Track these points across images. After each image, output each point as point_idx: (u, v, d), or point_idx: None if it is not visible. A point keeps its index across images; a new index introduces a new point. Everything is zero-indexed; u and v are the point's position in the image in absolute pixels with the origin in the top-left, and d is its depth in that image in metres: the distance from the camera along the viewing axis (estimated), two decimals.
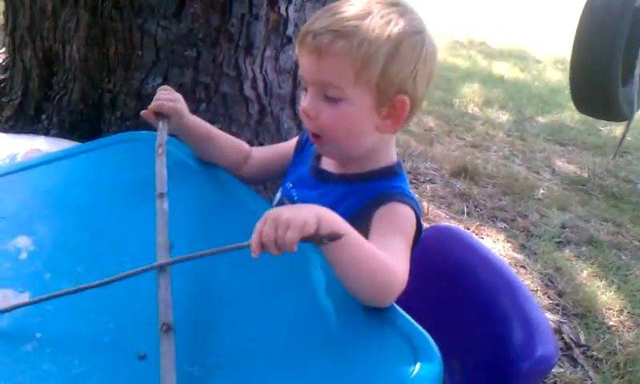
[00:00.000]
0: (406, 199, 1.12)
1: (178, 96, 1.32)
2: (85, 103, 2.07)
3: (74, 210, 1.16)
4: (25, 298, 0.92)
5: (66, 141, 1.96)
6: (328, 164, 1.24)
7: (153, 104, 1.28)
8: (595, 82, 3.93)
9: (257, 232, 0.86)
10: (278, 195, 1.32)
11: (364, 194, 1.14)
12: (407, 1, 1.13)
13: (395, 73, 1.07)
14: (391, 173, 1.19)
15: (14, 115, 2.22)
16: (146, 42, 1.89)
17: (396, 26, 1.05)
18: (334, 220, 0.90)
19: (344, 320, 0.95)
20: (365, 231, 1.08)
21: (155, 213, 1.07)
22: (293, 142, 1.39)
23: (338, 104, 1.09)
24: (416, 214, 1.12)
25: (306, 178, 1.26)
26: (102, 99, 2.03)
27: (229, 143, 1.40)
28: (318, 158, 1.27)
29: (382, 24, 1.05)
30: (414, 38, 1.08)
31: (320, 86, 1.09)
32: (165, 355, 0.81)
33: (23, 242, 1.04)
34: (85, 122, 2.09)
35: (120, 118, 1.99)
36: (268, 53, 1.98)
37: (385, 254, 0.96)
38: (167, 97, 1.30)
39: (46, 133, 2.10)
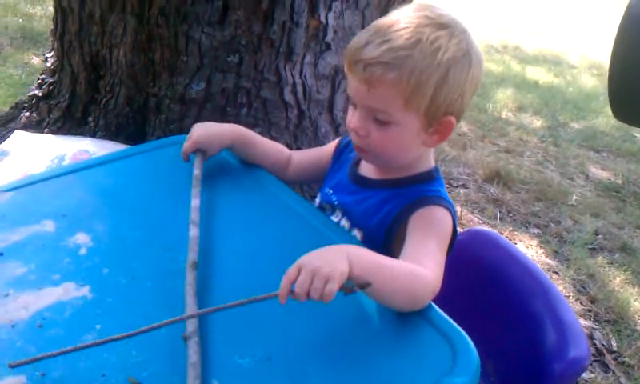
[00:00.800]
0: (443, 202, 1.16)
1: (205, 128, 1.39)
2: (130, 107, 2.14)
3: (129, 208, 1.23)
4: (85, 291, 0.99)
5: (112, 143, 2.03)
6: (367, 170, 1.28)
7: (185, 145, 1.35)
8: (634, 89, 3.89)
9: (288, 279, 0.89)
10: (318, 200, 1.37)
11: (403, 198, 1.18)
12: (452, 15, 1.15)
13: (444, 98, 1.10)
14: (429, 177, 1.22)
15: (61, 117, 2.30)
16: (191, 47, 1.95)
17: (445, 53, 1.07)
18: (364, 256, 0.93)
19: (385, 317, 0.99)
20: (403, 234, 1.12)
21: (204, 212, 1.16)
22: (331, 147, 1.43)
23: (387, 126, 1.12)
24: (452, 216, 1.16)
25: (345, 184, 1.30)
26: (147, 103, 2.10)
27: (271, 148, 1.46)
28: (357, 163, 1.31)
29: (432, 51, 1.06)
30: (462, 62, 1.10)
31: (370, 110, 1.12)
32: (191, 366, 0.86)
33: (82, 238, 1.11)
34: (130, 125, 2.16)
35: (164, 121, 2.05)
36: (307, 59, 2.02)
37: (413, 266, 1.00)
38: (197, 132, 1.36)
39: (93, 135, 2.17)
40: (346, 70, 1.15)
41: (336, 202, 1.29)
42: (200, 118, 1.98)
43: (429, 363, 0.91)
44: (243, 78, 1.97)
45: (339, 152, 1.40)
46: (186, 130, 1.95)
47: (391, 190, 1.22)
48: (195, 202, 1.18)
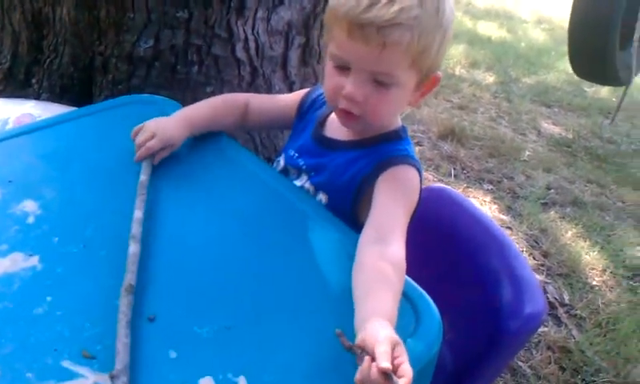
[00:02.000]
0: (412, 161, 1.15)
1: (153, 128, 1.25)
2: (75, 67, 2.05)
3: (79, 173, 1.18)
4: (34, 261, 0.94)
5: (57, 105, 1.95)
6: (332, 131, 1.25)
7: (152, 142, 1.22)
8: (592, 46, 3.93)
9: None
10: (282, 162, 1.33)
11: (372, 157, 1.16)
12: None
13: (441, 56, 1.11)
14: (397, 136, 1.21)
15: (3, 80, 2.20)
16: (138, 3, 1.87)
17: (444, 13, 1.06)
18: (388, 317, 0.85)
19: (347, 282, 0.97)
20: (371, 195, 1.11)
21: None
22: (295, 100, 1.37)
23: (387, 88, 1.09)
24: (419, 176, 1.16)
25: (310, 147, 1.27)
26: (93, 62, 2.02)
27: (226, 111, 1.40)
28: (322, 124, 1.28)
29: (434, 11, 1.04)
30: (451, 19, 1.10)
31: (372, 74, 1.08)
32: None
33: (30, 205, 1.06)
34: (76, 86, 2.07)
35: (112, 81, 1.97)
36: (260, 14, 1.96)
37: (390, 263, 0.94)
38: (145, 139, 1.23)
39: (37, 97, 2.08)
40: (344, 35, 1.07)
41: (304, 166, 1.26)
42: (149, 78, 1.92)
43: None
44: (193, 34, 1.90)
45: (305, 110, 1.35)
46: (133, 90, 1.90)
47: (359, 150, 1.20)
48: (138, 213, 1.05)
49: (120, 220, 1.05)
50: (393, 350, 0.76)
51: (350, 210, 1.17)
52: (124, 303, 0.87)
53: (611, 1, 3.81)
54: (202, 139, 1.33)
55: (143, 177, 1.16)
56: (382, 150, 1.17)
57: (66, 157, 1.22)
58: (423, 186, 1.21)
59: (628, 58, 4.16)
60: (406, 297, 0.95)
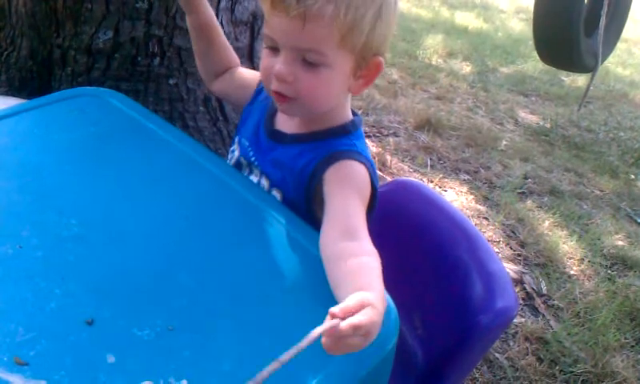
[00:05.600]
0: (357, 156, 1.09)
1: None
2: (34, 60, 1.99)
3: (18, 170, 1.10)
4: None
5: (16, 99, 1.89)
6: (282, 123, 1.19)
7: None
8: (557, 33, 3.91)
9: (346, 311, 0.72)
10: (236, 154, 1.27)
11: (317, 152, 1.10)
12: None
13: (377, 36, 1.02)
14: (345, 131, 1.14)
15: None
16: None
17: None
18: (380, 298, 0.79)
19: (299, 277, 0.94)
20: (321, 192, 1.05)
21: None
22: (255, 79, 1.32)
23: (317, 69, 1.02)
24: (369, 172, 1.08)
25: (261, 139, 1.21)
26: (51, 55, 1.95)
27: (227, 49, 1.39)
28: (272, 116, 1.22)
29: None
30: None
31: (299, 51, 1.02)
32: None
33: None
34: (35, 80, 2.01)
35: (71, 74, 1.91)
36: (223, 4, 1.91)
37: (366, 257, 0.88)
38: None
39: None
40: (268, 9, 1.02)
41: (254, 160, 1.20)
42: (109, 70, 1.86)
43: None
44: (154, 25, 1.84)
45: (257, 92, 1.29)
46: (94, 82, 1.85)
47: (305, 144, 1.13)
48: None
49: (58, 218, 0.98)
50: (361, 308, 0.72)
51: (305, 206, 1.11)
52: None
53: None
54: (142, 126, 1.27)
55: None
56: (327, 145, 1.11)
57: (3, 154, 1.13)
58: (391, 180, 1.16)
59: (594, 45, 4.14)
60: None
